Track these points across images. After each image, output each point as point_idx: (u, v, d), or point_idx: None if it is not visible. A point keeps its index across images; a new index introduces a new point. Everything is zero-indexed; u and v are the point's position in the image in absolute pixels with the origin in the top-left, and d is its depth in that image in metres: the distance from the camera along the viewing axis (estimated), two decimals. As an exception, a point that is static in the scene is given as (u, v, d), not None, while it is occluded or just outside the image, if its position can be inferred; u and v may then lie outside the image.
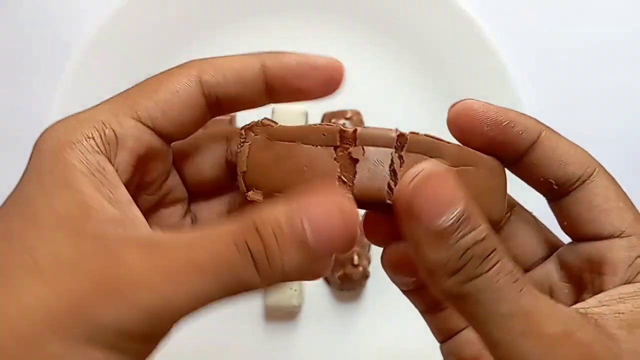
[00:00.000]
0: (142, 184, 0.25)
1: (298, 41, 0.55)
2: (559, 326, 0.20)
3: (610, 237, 0.24)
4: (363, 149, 0.23)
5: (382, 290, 0.52)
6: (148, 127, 0.23)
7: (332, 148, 0.23)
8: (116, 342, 0.19)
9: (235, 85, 0.24)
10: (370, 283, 0.52)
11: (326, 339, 0.52)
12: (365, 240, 0.51)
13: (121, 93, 0.24)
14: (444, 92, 0.54)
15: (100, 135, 0.22)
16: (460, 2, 0.53)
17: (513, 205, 0.28)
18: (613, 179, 0.25)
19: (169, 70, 0.25)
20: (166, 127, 0.24)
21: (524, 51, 0.55)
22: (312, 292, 0.53)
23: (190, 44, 0.54)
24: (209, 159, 0.27)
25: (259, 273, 0.19)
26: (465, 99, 0.25)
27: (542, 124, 0.25)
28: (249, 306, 0.52)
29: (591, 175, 0.24)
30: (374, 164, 0.22)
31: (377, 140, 0.23)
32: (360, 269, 0.50)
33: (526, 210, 0.28)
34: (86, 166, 0.21)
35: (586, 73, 0.56)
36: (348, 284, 0.51)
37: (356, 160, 0.23)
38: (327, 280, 0.53)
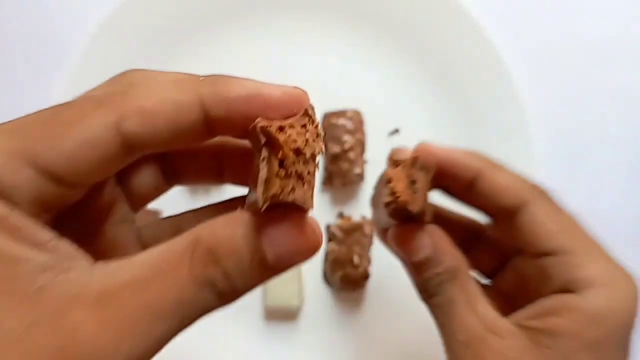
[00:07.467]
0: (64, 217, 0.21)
1: (297, 40, 0.55)
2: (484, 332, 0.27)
3: (544, 255, 0.28)
4: None
5: (382, 291, 0.52)
6: (50, 176, 0.19)
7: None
8: None
9: (166, 132, 0.20)
10: (370, 284, 0.52)
11: (326, 339, 0.52)
12: (365, 241, 0.52)
13: (18, 124, 0.19)
14: (444, 91, 0.54)
15: None
16: (461, 1, 0.53)
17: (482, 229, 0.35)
18: (550, 203, 0.29)
19: (79, 104, 0.20)
20: (73, 180, 0.19)
21: (524, 50, 0.55)
22: (312, 293, 0.53)
23: (190, 43, 0.54)
24: (148, 176, 0.25)
25: (220, 299, 0.19)
26: (423, 143, 0.30)
27: (486, 160, 0.30)
28: (249, 306, 0.52)
29: (525, 204, 0.29)
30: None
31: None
32: (361, 269, 0.50)
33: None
34: None
35: (586, 71, 0.55)
36: (348, 285, 0.51)
37: None
38: (328, 281, 0.53)
